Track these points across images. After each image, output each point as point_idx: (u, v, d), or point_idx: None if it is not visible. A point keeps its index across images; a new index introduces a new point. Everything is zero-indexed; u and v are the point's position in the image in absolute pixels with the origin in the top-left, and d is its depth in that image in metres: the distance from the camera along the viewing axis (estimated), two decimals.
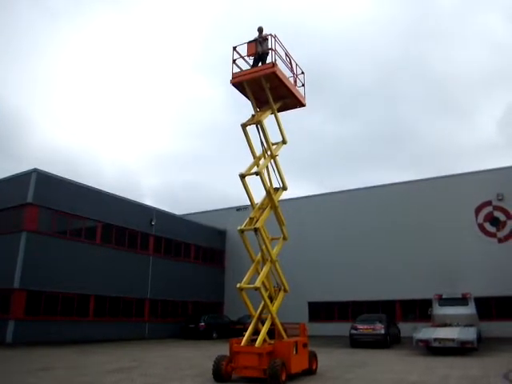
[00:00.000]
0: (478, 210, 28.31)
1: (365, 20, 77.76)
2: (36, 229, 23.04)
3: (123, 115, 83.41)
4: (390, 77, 77.89)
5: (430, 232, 28.86)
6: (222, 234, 38.03)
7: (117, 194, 28.45)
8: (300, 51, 13.85)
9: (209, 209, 40.20)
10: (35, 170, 23.39)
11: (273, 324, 11.32)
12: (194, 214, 39.35)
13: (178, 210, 69.49)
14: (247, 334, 11.11)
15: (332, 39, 77.53)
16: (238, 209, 36.20)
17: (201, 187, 75.70)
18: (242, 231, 11.43)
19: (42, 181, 23.58)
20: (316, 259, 32.51)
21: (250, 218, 11.65)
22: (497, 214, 27.75)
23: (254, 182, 11.72)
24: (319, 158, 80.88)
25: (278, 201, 12.57)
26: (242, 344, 10.80)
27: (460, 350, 16.62)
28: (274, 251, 12.02)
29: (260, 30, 12.78)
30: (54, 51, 77.24)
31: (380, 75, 77.95)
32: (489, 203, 28.10)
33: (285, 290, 12.28)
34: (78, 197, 25.35)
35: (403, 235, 29.87)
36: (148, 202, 67.74)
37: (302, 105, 13.95)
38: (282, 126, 13.02)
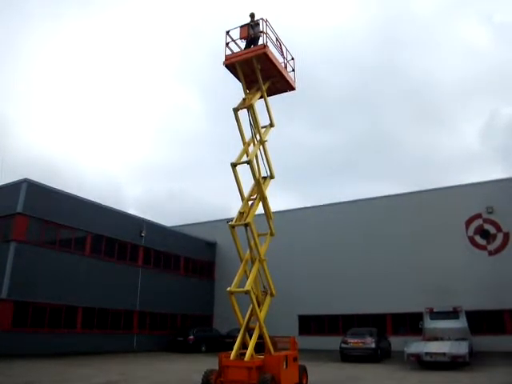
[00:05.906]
0: (468, 223, 28.41)
1: (344, 30, 78.72)
2: (25, 239, 22.72)
3: (105, 124, 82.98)
4: (371, 86, 78.34)
5: (421, 245, 28.84)
6: (211, 246, 37.80)
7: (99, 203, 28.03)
8: None
9: (193, 219, 39.84)
10: (26, 180, 23.14)
11: (261, 337, 11.13)
12: (184, 225, 39.11)
13: (161, 219, 68.86)
14: (236, 346, 10.92)
15: (311, 50, 77.81)
16: (228, 221, 35.92)
17: (184, 197, 75.54)
18: (232, 227, 11.36)
19: (33, 191, 23.30)
20: (306, 273, 32.38)
21: (240, 213, 11.63)
22: (487, 226, 27.85)
23: (240, 174, 11.77)
24: (301, 169, 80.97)
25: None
26: (231, 358, 10.62)
27: (451, 364, 16.55)
28: (263, 249, 11.95)
29: (252, 15, 13.21)
30: (30, 56, 76.44)
31: (360, 85, 78.39)
32: (479, 216, 28.21)
33: (271, 295, 12.08)
34: (68, 207, 25.10)
35: (394, 248, 29.83)
36: (131, 211, 66.95)
37: (292, 88, 14.18)
38: (271, 109, 13.18)
